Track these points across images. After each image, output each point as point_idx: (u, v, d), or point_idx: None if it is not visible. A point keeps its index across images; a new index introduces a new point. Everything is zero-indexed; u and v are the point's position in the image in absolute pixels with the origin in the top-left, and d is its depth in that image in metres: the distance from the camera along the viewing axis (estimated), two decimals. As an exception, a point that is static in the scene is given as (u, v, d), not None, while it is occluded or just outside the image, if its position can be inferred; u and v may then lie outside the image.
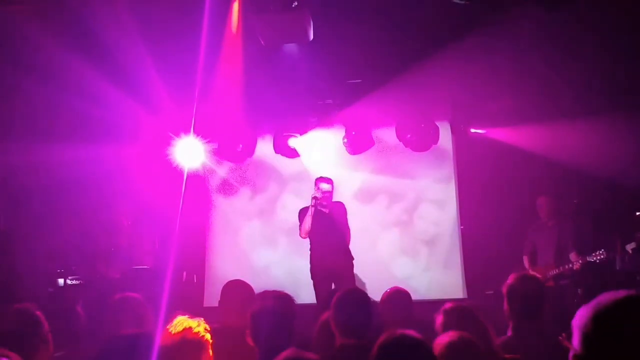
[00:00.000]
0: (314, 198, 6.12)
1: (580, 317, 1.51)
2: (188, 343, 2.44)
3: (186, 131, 6.94)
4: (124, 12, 5.13)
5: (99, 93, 6.25)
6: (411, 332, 2.20)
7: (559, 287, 6.06)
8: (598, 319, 1.47)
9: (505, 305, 3.22)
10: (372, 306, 3.02)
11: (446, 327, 2.80)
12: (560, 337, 1.64)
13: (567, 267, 5.98)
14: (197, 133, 6.86)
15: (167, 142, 7.11)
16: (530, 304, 3.14)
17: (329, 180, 6.32)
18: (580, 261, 5.87)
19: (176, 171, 7.05)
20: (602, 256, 5.74)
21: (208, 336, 2.51)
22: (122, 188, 6.35)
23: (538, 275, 6.02)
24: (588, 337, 1.48)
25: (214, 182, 8.05)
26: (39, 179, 6.74)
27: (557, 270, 6.04)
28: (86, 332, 3.16)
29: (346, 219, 6.35)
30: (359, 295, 3.05)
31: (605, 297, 1.50)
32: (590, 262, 5.82)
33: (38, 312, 2.59)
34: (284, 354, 2.18)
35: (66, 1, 5.16)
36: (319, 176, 6.40)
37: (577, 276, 6.03)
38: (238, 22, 5.41)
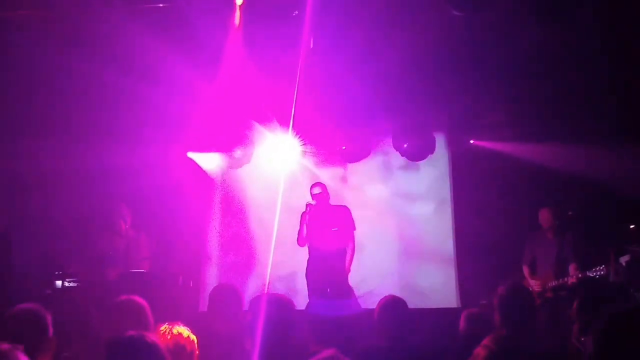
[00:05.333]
0: (307, 205, 6.17)
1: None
2: (181, 348, 2.62)
3: (187, 137, 7.01)
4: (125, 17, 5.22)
5: (99, 95, 6.29)
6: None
7: (556, 298, 6.03)
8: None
9: (497, 316, 3.22)
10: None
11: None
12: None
13: (565, 279, 5.96)
14: (197, 140, 6.91)
15: (169, 148, 7.16)
16: (521, 315, 3.15)
17: (317, 185, 6.35)
18: (579, 275, 5.85)
19: (176, 176, 7.09)
20: (602, 272, 5.72)
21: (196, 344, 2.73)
22: (121, 192, 6.38)
23: (536, 287, 6.11)
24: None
25: (212, 188, 8.06)
26: (37, 181, 6.76)
27: (556, 282, 6.03)
28: (91, 333, 3.19)
29: (351, 221, 6.34)
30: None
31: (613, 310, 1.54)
32: (589, 277, 5.78)
33: (43, 312, 2.62)
34: None
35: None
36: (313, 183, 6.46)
37: (574, 289, 5.99)
38: (239, 30, 5.48)
